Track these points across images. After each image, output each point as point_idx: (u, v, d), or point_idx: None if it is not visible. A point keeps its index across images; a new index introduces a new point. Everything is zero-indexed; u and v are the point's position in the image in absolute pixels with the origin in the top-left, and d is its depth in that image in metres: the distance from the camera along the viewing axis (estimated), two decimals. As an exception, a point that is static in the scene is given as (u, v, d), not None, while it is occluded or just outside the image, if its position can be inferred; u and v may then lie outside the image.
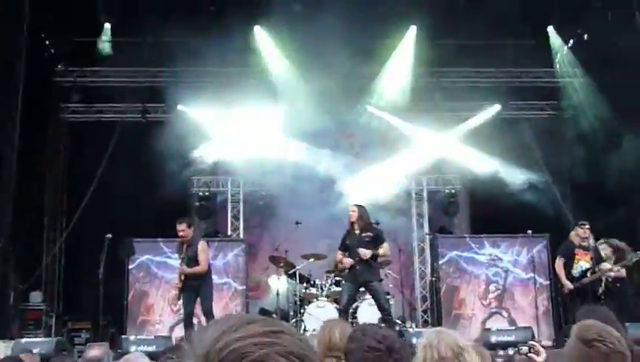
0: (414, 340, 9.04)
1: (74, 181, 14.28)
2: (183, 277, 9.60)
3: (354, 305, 10.79)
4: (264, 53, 13.88)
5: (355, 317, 10.96)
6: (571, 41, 14.26)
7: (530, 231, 12.00)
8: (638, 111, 12.00)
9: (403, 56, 14.16)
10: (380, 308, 9.60)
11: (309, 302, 11.47)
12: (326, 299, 11.43)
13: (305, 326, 11.09)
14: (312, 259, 12.08)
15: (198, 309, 10.00)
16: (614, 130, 12.59)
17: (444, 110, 14.78)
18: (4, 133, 10.85)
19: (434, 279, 13.48)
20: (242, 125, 13.82)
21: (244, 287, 12.93)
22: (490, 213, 13.75)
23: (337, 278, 11.63)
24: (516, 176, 13.74)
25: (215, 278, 11.23)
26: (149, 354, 5.90)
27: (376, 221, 9.71)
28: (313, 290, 11.70)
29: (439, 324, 12.24)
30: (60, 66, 14.25)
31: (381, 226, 10.42)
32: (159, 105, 14.33)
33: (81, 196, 13.41)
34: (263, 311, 12.88)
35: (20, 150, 11.21)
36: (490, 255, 12.82)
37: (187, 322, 9.72)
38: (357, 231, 9.57)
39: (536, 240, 12.90)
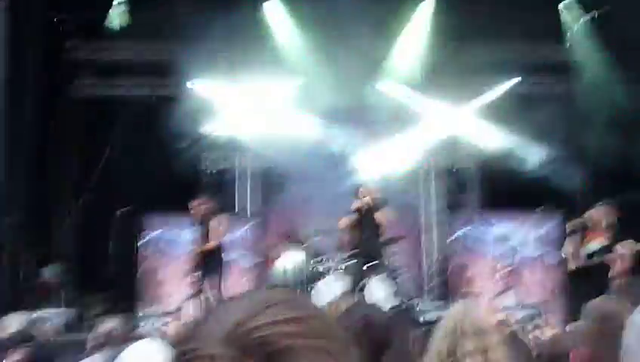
0: (422, 317, 9.09)
1: (86, 157, 14.32)
2: (195, 253, 9.69)
3: (361, 282, 10.85)
4: (277, 27, 13.80)
5: (362, 294, 11.01)
6: (590, 14, 14.08)
7: (541, 208, 11.93)
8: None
9: (419, 29, 14.01)
10: (388, 284, 9.66)
11: (319, 278, 11.53)
12: (335, 275, 11.47)
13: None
14: (321, 236, 12.11)
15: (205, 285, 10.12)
16: (633, 107, 12.45)
17: (457, 85, 14.66)
18: (17, 109, 10.90)
19: (442, 257, 13.50)
20: (253, 101, 13.81)
21: (254, 264, 13.00)
22: (501, 190, 13.68)
23: (346, 254, 11.68)
24: (530, 153, 13.65)
25: (224, 255, 11.32)
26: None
27: (384, 199, 9.75)
28: (322, 267, 11.75)
29: (446, 301, 12.28)
30: (71, 42, 14.22)
31: (389, 204, 10.43)
32: (170, 81, 14.29)
33: (93, 172, 13.47)
34: (273, 287, 12.97)
35: (33, 126, 11.26)
36: (499, 233, 12.81)
37: (197, 297, 9.83)
38: (363, 211, 9.62)
39: (547, 218, 12.86)
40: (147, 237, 12.80)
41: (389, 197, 11.19)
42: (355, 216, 9.61)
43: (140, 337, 4.84)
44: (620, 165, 11.98)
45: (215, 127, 13.89)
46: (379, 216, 9.56)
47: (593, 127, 13.31)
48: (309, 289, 11.48)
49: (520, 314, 9.70)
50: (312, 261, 11.95)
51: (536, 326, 4.24)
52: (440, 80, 14.33)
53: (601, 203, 10.04)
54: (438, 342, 3.22)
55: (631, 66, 12.59)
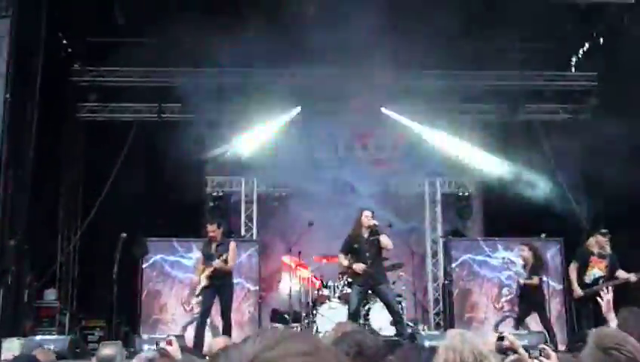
0: (427, 343, 9.02)
1: (89, 180, 14.35)
2: (209, 274, 9.65)
3: (366, 307, 10.81)
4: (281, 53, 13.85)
5: (368, 319, 10.97)
6: (587, 45, 14.20)
7: (543, 235, 11.97)
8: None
9: (418, 57, 14.06)
10: (391, 310, 9.62)
11: (322, 304, 11.49)
12: (338, 300, 11.45)
13: (317, 328, 11.11)
14: (324, 261, 12.10)
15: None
16: (631, 135, 12.51)
17: (459, 112, 14.77)
18: (21, 132, 10.92)
19: (447, 282, 13.46)
20: (257, 126, 13.85)
21: (257, 288, 12.96)
22: (503, 216, 13.71)
23: (349, 280, 11.65)
24: (531, 180, 13.68)
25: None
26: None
27: (389, 223, 9.74)
28: (326, 291, 11.72)
29: (452, 327, 12.22)
30: (76, 66, 14.33)
31: (393, 229, 10.44)
32: (175, 105, 14.38)
33: (97, 195, 13.49)
34: (275, 312, 12.93)
35: (37, 149, 11.28)
36: (503, 258, 12.75)
37: (202, 321, 9.77)
38: (365, 236, 9.59)
39: (549, 244, 12.86)
40: (150, 261, 12.78)
41: (394, 222, 11.20)
42: (360, 240, 9.56)
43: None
44: (623, 193, 11.98)
45: (219, 152, 13.93)
46: (384, 240, 9.54)
47: (597, 155, 13.35)
48: (313, 313, 11.44)
49: (524, 340, 9.63)
50: (315, 285, 11.93)
51: (541, 352, 4.23)
52: (440, 108, 14.40)
53: (602, 230, 10.04)
54: None
55: (629, 92, 12.66)
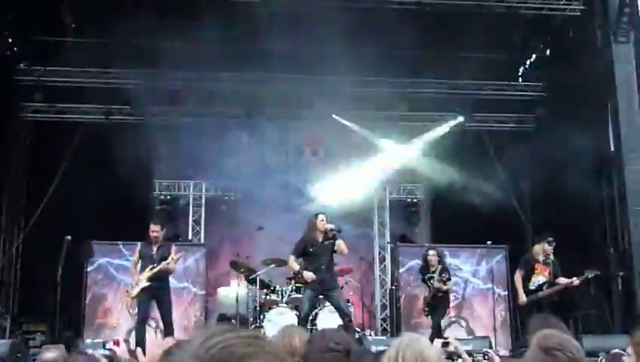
0: (373, 348, 9.07)
1: (34, 181, 14.08)
2: (150, 276, 9.45)
3: (313, 312, 10.81)
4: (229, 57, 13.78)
5: (315, 324, 10.98)
6: (534, 56, 14.49)
7: (489, 242, 12.18)
8: (597, 125, 12.26)
9: (368, 65, 14.15)
10: (342, 314, 9.62)
11: (270, 309, 11.45)
12: (286, 305, 11.43)
13: (264, 333, 11.06)
14: (273, 265, 12.06)
15: (154, 313, 9.94)
16: (573, 144, 12.81)
17: (408, 120, 14.94)
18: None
19: (394, 288, 13.56)
20: (206, 129, 13.74)
21: (204, 292, 12.87)
22: (450, 223, 13.88)
23: (298, 285, 11.64)
24: (477, 188, 13.88)
25: (175, 282, 11.17)
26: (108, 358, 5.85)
27: (338, 229, 9.71)
28: (274, 296, 11.69)
29: (398, 332, 12.31)
30: (22, 65, 14.04)
31: (343, 234, 10.44)
32: (123, 107, 14.20)
33: (41, 197, 13.23)
34: (222, 317, 12.84)
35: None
36: (450, 264, 12.92)
37: (140, 327, 9.58)
38: (320, 239, 9.58)
39: (495, 251, 13.07)
40: (95, 264, 12.58)
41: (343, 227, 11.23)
42: (315, 244, 9.50)
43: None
44: (566, 200, 12.26)
45: (168, 154, 13.79)
46: (340, 244, 9.53)
47: (542, 164, 13.64)
48: (260, 318, 11.40)
49: (470, 345, 9.76)
50: (263, 290, 11.89)
51: (485, 356, 4.32)
52: (389, 115, 14.55)
53: (549, 238, 10.23)
54: None
55: (573, 103, 12.98)
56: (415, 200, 14.90)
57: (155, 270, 9.44)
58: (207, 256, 13.15)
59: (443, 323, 12.90)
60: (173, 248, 9.81)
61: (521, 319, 11.65)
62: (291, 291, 11.64)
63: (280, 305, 11.46)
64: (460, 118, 14.80)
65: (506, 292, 13.01)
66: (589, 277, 10.03)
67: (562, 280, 10.05)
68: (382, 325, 14.04)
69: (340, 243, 9.53)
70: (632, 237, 11.54)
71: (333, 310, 10.33)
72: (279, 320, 10.81)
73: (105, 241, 12.59)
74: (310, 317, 10.31)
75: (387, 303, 14.10)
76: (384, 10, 12.60)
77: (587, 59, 12.42)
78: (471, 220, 13.22)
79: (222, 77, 13.90)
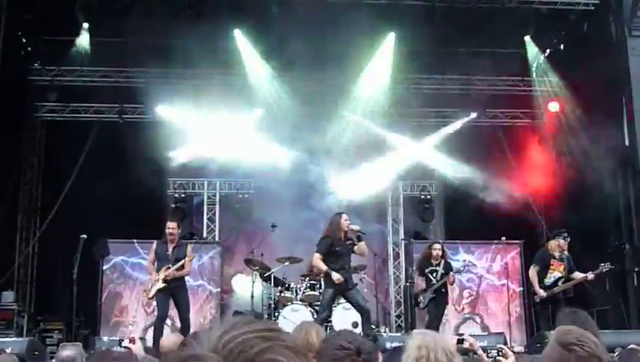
0: (388, 344, 9.08)
1: (49, 181, 14.18)
2: (165, 277, 9.49)
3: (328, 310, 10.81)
4: (243, 56, 13.82)
5: (330, 322, 10.99)
6: (548, 51, 14.42)
7: (504, 238, 12.15)
8: (612, 120, 12.19)
9: (382, 62, 14.15)
10: (361, 310, 9.62)
11: (284, 306, 11.48)
12: (301, 302, 11.45)
13: (279, 329, 11.08)
14: (287, 263, 12.08)
15: (170, 311, 9.98)
16: (588, 139, 12.75)
17: (421, 117, 14.91)
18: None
19: (408, 284, 13.54)
20: (220, 127, 13.79)
21: (219, 290, 12.93)
22: (464, 219, 13.85)
23: (312, 282, 11.67)
24: (491, 184, 13.85)
25: (190, 280, 11.22)
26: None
27: (363, 231, 9.68)
28: (288, 294, 11.71)
29: (412, 329, 12.30)
30: (36, 65, 14.13)
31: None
32: (137, 106, 14.27)
33: (56, 196, 13.32)
34: (238, 314, 12.88)
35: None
36: (464, 261, 12.89)
37: (159, 324, 9.63)
38: (342, 239, 9.56)
39: (509, 247, 13.05)
40: (111, 263, 12.66)
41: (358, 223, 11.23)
42: (340, 244, 9.44)
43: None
44: (581, 195, 12.22)
45: (181, 153, 13.83)
46: (361, 246, 9.51)
47: (556, 159, 13.60)
48: (275, 316, 11.43)
49: (484, 341, 9.74)
50: (278, 288, 11.92)
51: (499, 353, 4.33)
52: (402, 112, 14.52)
53: (564, 234, 10.19)
54: None
55: (587, 97, 12.92)
56: (429, 196, 14.87)
57: (168, 271, 9.47)
58: (222, 253, 13.20)
59: (457, 319, 12.93)
60: (189, 248, 9.83)
61: (535, 315, 11.62)
62: (306, 288, 11.66)
63: (294, 302, 11.49)
64: (474, 114, 14.76)
65: (521, 288, 12.98)
66: (604, 271, 9.99)
67: (578, 275, 10.02)
68: (396, 322, 14.04)
69: (362, 246, 9.52)
70: (647, 232, 11.49)
71: (348, 307, 10.35)
72: (294, 317, 10.84)
73: (120, 240, 12.66)
74: (327, 314, 10.22)
75: (401, 300, 14.09)
76: (397, 7, 12.59)
77: (602, 53, 12.34)
78: (485, 216, 13.20)
79: (232, 74, 13.93)
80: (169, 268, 9.49)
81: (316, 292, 11.54)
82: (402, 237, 14.63)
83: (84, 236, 10.23)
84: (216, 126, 13.73)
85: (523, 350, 11.08)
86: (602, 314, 12.09)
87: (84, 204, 12.41)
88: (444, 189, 14.93)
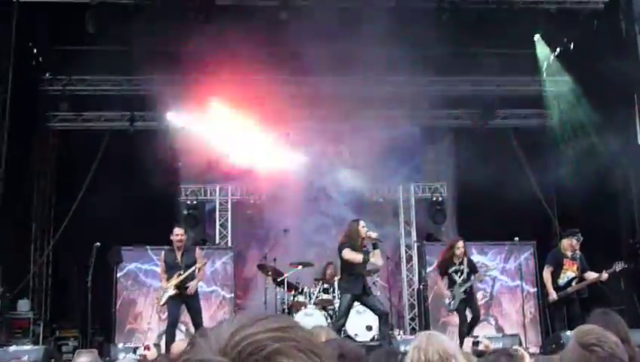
0: (402, 347, 9.07)
1: (62, 189, 14.25)
2: (177, 284, 9.51)
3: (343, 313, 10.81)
4: (254, 61, 13.79)
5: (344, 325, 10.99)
6: (558, 50, 14.37)
7: (517, 239, 12.10)
8: (624, 119, 12.14)
9: (392, 64, 14.07)
10: (379, 312, 9.61)
11: (297, 310, 11.49)
12: (314, 306, 11.46)
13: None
14: (300, 267, 12.11)
15: (183, 317, 10.01)
16: (600, 138, 12.71)
17: (432, 118, 14.89)
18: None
19: (421, 287, 13.52)
20: (230, 133, 13.81)
21: (233, 295, 12.95)
22: (476, 220, 13.81)
23: (325, 286, 11.68)
24: (502, 184, 13.80)
25: (203, 286, 11.26)
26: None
27: (380, 238, 9.66)
28: (301, 298, 11.73)
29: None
30: (47, 75, 14.22)
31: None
32: (147, 114, 14.32)
33: (70, 204, 13.39)
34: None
35: (8, 158, 11.19)
36: (477, 262, 12.87)
37: (171, 331, 9.65)
38: (360, 246, 9.55)
39: (523, 248, 13.00)
40: (124, 270, 12.70)
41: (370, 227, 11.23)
42: (357, 249, 9.40)
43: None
44: (594, 194, 12.17)
45: (193, 160, 13.85)
46: (377, 254, 9.49)
47: (566, 158, 13.55)
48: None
49: (499, 343, 9.73)
50: (291, 292, 11.93)
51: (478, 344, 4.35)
52: (412, 112, 14.48)
53: (577, 233, 10.15)
54: None
55: (598, 96, 12.88)
56: (440, 198, 14.84)
57: (182, 277, 9.49)
58: (234, 259, 13.23)
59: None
60: (198, 251, 9.86)
61: (550, 316, 11.56)
62: (319, 292, 11.67)
63: (308, 306, 11.50)
64: (485, 115, 14.73)
65: (535, 289, 12.93)
66: (617, 270, 9.94)
67: (591, 275, 9.98)
68: (410, 324, 14.02)
69: (378, 254, 9.49)
70: (661, 231, 11.43)
71: (362, 311, 10.36)
72: (307, 322, 10.83)
73: (133, 247, 12.71)
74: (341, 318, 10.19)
75: (415, 302, 14.08)
76: (405, 9, 12.58)
77: (612, 52, 12.29)
78: (497, 217, 13.16)
79: (242, 80, 13.93)
80: (180, 274, 9.52)
81: (329, 296, 11.55)
82: (415, 239, 14.61)
83: (98, 244, 10.28)
84: (226, 131, 13.75)
85: (538, 351, 11.04)
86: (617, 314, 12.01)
87: (97, 212, 12.45)
88: (456, 190, 14.90)
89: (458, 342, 9.16)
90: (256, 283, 13.76)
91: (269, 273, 12.22)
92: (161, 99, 13.60)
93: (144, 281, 12.73)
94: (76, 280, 11.75)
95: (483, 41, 13.10)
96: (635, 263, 11.49)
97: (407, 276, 14.51)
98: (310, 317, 11.12)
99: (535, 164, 14.22)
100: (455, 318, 11.92)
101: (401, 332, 12.91)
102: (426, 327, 12.73)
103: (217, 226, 14.31)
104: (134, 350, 9.63)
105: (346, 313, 9.56)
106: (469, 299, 10.37)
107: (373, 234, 9.45)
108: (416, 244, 14.46)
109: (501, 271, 13.26)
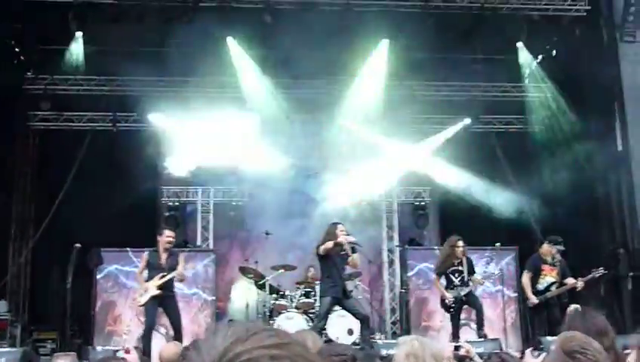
0: (384, 351, 9.05)
1: (42, 190, 14.12)
2: (160, 285, 9.46)
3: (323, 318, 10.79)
4: (236, 63, 13.79)
5: (324, 329, 10.96)
6: (540, 57, 14.45)
7: (498, 244, 12.13)
8: (605, 126, 12.22)
9: (375, 68, 14.14)
10: (360, 316, 9.59)
11: (279, 314, 11.45)
12: (296, 310, 11.43)
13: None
14: (281, 270, 12.07)
15: (164, 320, 9.95)
16: (581, 145, 12.79)
17: (415, 123, 14.91)
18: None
19: (403, 291, 13.53)
20: (213, 135, 13.76)
21: (214, 298, 12.88)
22: (459, 225, 13.81)
23: (307, 289, 11.65)
24: (485, 189, 13.87)
25: (184, 289, 11.20)
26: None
27: (358, 243, 9.62)
28: (283, 301, 11.69)
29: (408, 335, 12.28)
30: (29, 74, 14.09)
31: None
32: (130, 115, 14.24)
33: (49, 205, 13.27)
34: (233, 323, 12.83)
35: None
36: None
37: (147, 333, 9.58)
38: (337, 249, 9.51)
39: (504, 253, 13.02)
40: (104, 272, 12.60)
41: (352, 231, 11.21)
42: (331, 253, 9.37)
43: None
44: (575, 200, 12.24)
45: (174, 162, 13.78)
46: (355, 258, 9.45)
47: (548, 164, 13.62)
48: (270, 324, 11.40)
49: (480, 347, 9.73)
50: (272, 295, 11.89)
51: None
52: (396, 118, 14.49)
53: (558, 239, 10.19)
54: None
55: (580, 102, 12.96)
56: (423, 203, 14.86)
57: (165, 279, 9.44)
58: (216, 261, 13.16)
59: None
60: (181, 256, 9.84)
61: (530, 320, 11.60)
62: (300, 296, 11.64)
63: (289, 309, 11.46)
64: (468, 120, 14.79)
65: (516, 294, 12.97)
66: (596, 276, 10.00)
67: (570, 281, 10.02)
68: (392, 328, 14.01)
69: (355, 258, 9.47)
70: (642, 237, 11.51)
71: (343, 314, 10.34)
72: (289, 325, 10.81)
73: (114, 249, 12.62)
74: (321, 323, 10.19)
75: (397, 307, 14.08)
76: (391, 14, 12.60)
77: (594, 59, 12.39)
78: (479, 222, 13.20)
79: (220, 82, 13.90)
80: (164, 276, 9.47)
81: (311, 300, 11.52)
82: (397, 243, 14.61)
83: (78, 245, 10.19)
84: (209, 134, 13.69)
85: (518, 355, 11.06)
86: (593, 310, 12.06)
87: (77, 213, 12.35)
88: (439, 195, 14.93)
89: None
90: (238, 285, 13.68)
91: (251, 276, 12.17)
92: (144, 100, 13.52)
93: (124, 283, 12.63)
94: (55, 282, 11.64)
95: (466, 46, 13.15)
96: (615, 269, 11.56)
97: (389, 280, 14.51)
98: (291, 321, 11.09)
99: (518, 169, 14.27)
100: (436, 322, 11.98)
101: (383, 337, 12.89)
102: (407, 331, 12.73)
103: (199, 228, 14.24)
104: (114, 353, 9.55)
105: (325, 316, 9.54)
106: (465, 302, 10.44)
107: (351, 238, 9.39)
108: (398, 249, 14.46)
109: (483, 276, 13.28)
